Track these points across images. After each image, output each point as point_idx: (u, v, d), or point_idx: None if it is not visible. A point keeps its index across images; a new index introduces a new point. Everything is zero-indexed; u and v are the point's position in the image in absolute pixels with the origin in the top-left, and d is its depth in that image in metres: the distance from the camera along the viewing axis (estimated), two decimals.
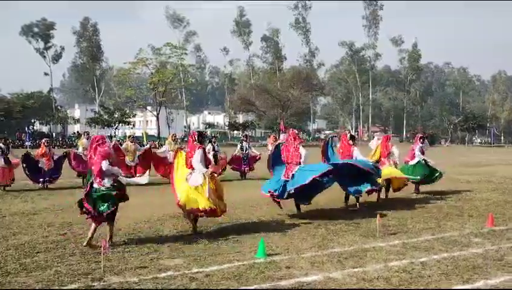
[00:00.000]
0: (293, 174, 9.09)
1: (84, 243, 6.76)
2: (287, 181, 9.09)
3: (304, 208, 9.92)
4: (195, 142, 7.89)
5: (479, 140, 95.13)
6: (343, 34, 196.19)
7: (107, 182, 6.93)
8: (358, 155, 10.37)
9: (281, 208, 9.55)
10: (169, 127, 70.67)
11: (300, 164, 9.17)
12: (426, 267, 6.03)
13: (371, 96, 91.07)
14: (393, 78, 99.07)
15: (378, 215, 8.09)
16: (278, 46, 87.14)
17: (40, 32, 73.26)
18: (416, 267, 6.00)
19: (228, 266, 5.98)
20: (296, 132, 9.79)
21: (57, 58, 76.79)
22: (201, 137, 8.11)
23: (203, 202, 7.46)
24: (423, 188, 13.14)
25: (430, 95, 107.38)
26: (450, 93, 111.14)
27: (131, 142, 15.78)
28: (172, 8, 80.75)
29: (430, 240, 7.51)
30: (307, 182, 8.80)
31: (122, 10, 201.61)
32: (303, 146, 9.52)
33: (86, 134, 16.12)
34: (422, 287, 5.30)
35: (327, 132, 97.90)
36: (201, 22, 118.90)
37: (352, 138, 10.75)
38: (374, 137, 13.19)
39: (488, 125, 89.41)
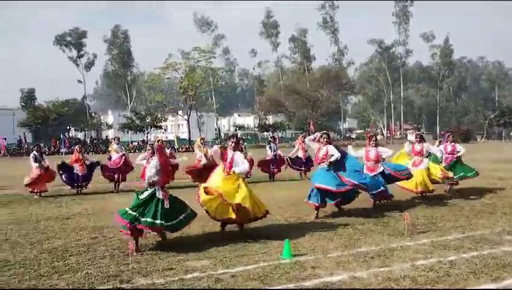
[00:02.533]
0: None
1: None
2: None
3: (331, 208, 9.91)
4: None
5: None
6: (372, 32, 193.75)
7: None
8: (385, 152, 10.32)
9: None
10: (200, 130, 71.49)
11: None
12: (454, 266, 5.93)
13: (402, 93, 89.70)
14: (425, 74, 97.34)
15: (406, 214, 8.00)
16: (306, 46, 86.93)
17: (73, 41, 75.33)
18: (444, 266, 5.91)
19: (254, 267, 6.03)
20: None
21: (89, 65, 78.87)
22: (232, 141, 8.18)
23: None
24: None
25: (464, 91, 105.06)
26: (485, 87, 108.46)
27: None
28: (200, 13, 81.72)
29: (460, 239, 7.37)
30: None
31: (152, 15, 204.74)
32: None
33: (116, 139, 16.46)
34: (449, 286, 5.22)
35: (358, 131, 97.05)
36: (230, 24, 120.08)
37: (371, 138, 10.64)
38: (406, 135, 12.92)
39: None
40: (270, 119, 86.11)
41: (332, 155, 9.34)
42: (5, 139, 53.72)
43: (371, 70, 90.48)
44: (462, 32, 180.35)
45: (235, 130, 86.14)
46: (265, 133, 79.83)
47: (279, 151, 18.07)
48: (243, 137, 48.71)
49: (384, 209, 10.08)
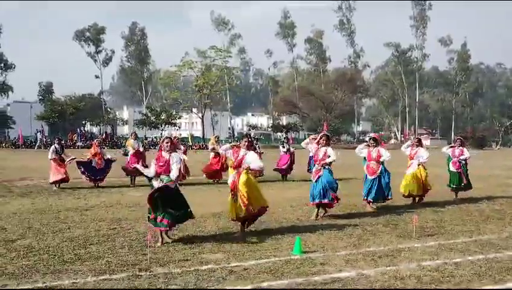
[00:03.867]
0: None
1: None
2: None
3: (342, 209, 10.13)
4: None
5: None
6: (389, 35, 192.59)
7: None
8: (384, 155, 10.55)
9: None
10: (213, 128, 71.88)
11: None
12: (459, 267, 6.14)
13: (417, 97, 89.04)
14: (441, 79, 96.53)
15: (415, 217, 8.21)
16: (322, 47, 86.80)
17: (92, 36, 76.12)
18: (449, 268, 6.11)
19: (265, 261, 6.30)
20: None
21: (107, 61, 79.59)
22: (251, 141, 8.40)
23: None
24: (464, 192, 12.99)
25: (480, 97, 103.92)
26: (502, 94, 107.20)
27: None
28: (217, 12, 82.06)
29: (467, 242, 7.56)
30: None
31: (170, 14, 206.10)
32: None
33: (133, 134, 16.82)
34: (452, 287, 5.44)
35: (371, 134, 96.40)
36: (246, 23, 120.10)
37: (373, 139, 10.87)
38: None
39: None
40: (284, 120, 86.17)
41: (329, 156, 9.62)
42: (42, 130, 54.57)
43: (387, 74, 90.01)
44: (480, 38, 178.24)
45: (249, 129, 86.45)
46: (278, 134, 79.99)
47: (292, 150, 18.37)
48: (257, 137, 48.94)
49: (394, 212, 10.30)
